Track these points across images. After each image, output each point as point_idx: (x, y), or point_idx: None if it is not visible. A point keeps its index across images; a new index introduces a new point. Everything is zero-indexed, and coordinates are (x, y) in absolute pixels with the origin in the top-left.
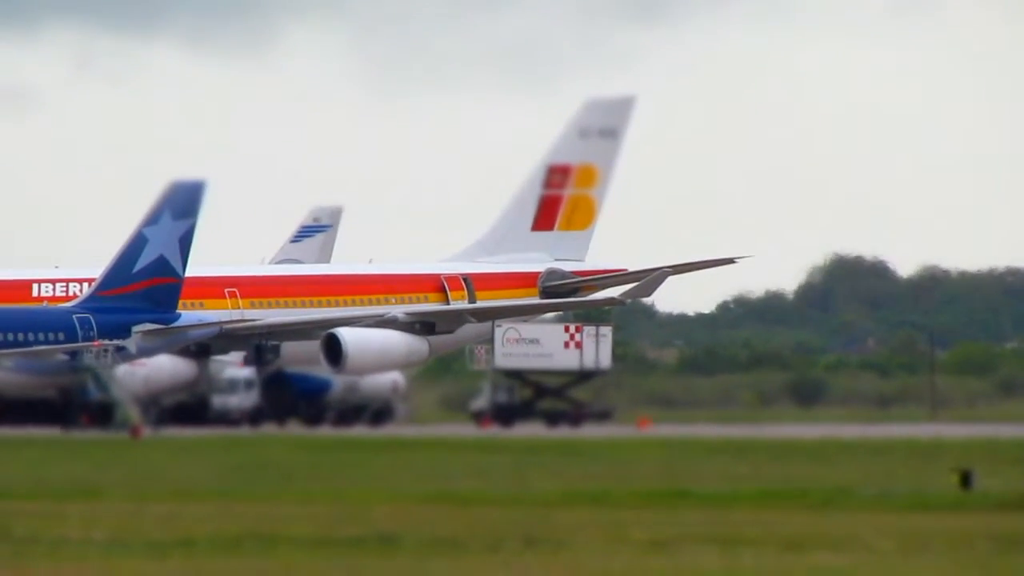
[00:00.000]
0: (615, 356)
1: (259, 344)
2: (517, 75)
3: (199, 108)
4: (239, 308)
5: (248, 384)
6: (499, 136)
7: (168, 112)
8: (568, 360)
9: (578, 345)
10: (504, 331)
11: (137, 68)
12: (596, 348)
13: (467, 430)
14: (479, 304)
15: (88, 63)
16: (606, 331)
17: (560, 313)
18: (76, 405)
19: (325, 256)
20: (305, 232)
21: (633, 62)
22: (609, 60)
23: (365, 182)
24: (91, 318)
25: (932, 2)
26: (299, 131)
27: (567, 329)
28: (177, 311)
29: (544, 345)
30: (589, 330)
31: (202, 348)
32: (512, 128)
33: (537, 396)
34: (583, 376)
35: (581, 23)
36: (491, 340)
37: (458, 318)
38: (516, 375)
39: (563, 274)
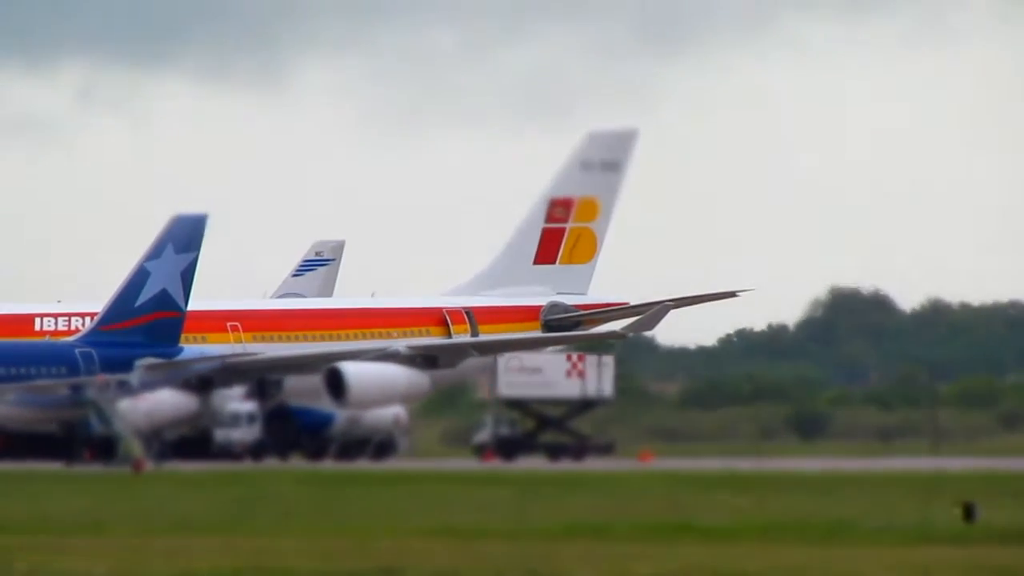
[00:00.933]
0: (618, 388)
1: (262, 378)
2: (531, 109)
3: (203, 141)
4: (241, 342)
5: (251, 418)
6: (508, 169)
7: (173, 145)
8: (570, 389)
9: (580, 374)
10: (506, 360)
11: (144, 101)
12: (598, 377)
13: (469, 463)
14: (481, 338)
15: (94, 95)
16: (608, 360)
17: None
18: (78, 439)
19: (327, 290)
20: (307, 266)
21: (638, 95)
22: (619, 93)
23: (368, 216)
24: (93, 352)
25: (943, 37)
26: (301, 164)
27: (569, 358)
28: (179, 345)
29: (546, 374)
30: (591, 359)
31: (205, 382)
32: (522, 161)
33: (539, 427)
34: (585, 405)
35: (596, 56)
36: (494, 369)
37: (460, 352)
38: (518, 404)
39: (565, 307)
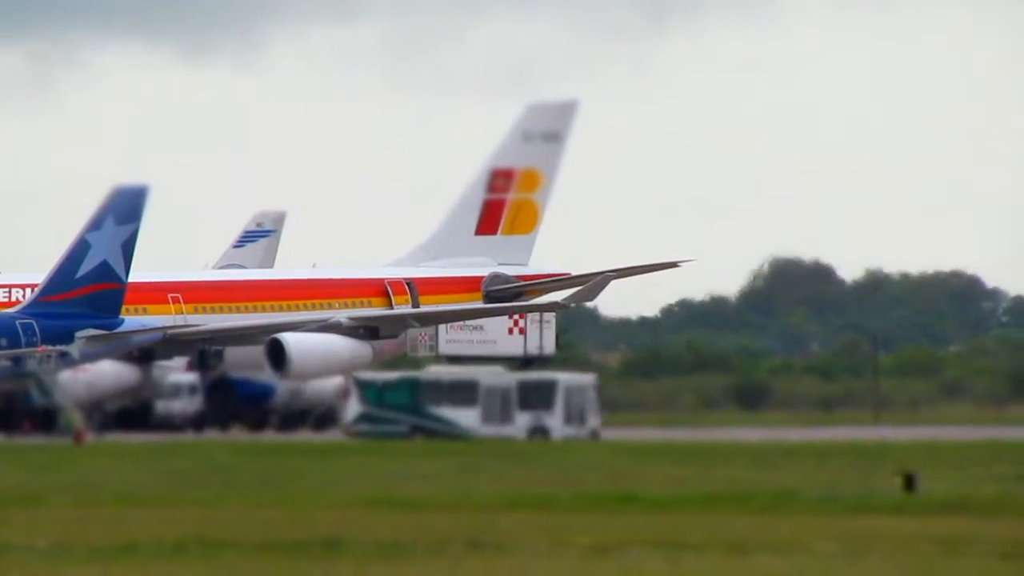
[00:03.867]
0: (559, 347)
1: (203, 349)
2: (491, 83)
3: (144, 112)
4: (182, 313)
5: (192, 389)
6: (454, 141)
7: (113, 116)
8: (512, 346)
9: (522, 331)
10: None
11: (86, 70)
12: (540, 334)
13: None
14: (423, 309)
15: (39, 64)
16: (550, 317)
17: None
18: (19, 411)
19: (268, 261)
20: (248, 237)
21: (579, 66)
22: (562, 64)
23: (309, 187)
24: (34, 323)
25: (888, 7)
26: (243, 135)
27: (511, 315)
28: (120, 316)
29: (488, 332)
30: (533, 316)
31: (146, 353)
32: (468, 134)
33: None
34: (527, 362)
35: (552, 30)
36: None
37: (402, 323)
38: (459, 362)
39: (506, 278)
